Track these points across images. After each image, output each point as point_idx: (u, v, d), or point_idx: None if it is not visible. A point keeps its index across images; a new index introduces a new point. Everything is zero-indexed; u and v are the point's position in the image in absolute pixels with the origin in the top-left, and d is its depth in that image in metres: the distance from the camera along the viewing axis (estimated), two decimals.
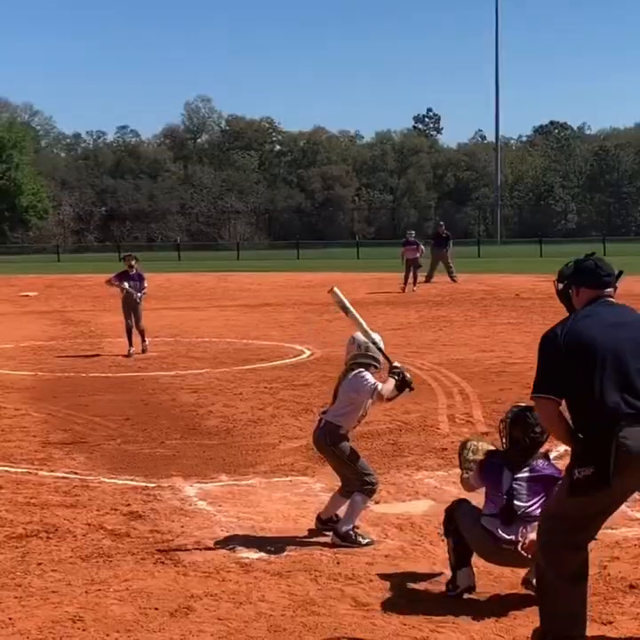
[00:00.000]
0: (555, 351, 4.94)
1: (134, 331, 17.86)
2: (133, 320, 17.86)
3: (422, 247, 33.87)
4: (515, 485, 5.85)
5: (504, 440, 6.03)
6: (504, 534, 5.82)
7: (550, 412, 4.97)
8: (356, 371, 7.12)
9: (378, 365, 7.23)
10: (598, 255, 5.33)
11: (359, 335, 7.31)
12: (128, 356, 17.34)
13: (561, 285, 5.26)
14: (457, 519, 6.01)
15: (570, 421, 4.98)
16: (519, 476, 5.87)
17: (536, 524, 5.42)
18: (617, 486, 4.78)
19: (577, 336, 4.92)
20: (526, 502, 5.83)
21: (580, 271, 5.19)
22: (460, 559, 5.97)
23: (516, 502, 5.83)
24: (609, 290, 5.12)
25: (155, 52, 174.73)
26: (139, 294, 18.00)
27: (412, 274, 32.90)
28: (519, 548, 5.77)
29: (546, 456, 6.04)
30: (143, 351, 17.68)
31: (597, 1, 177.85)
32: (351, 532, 6.91)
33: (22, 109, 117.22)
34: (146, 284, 18.36)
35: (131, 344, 17.65)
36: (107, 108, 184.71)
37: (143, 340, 17.90)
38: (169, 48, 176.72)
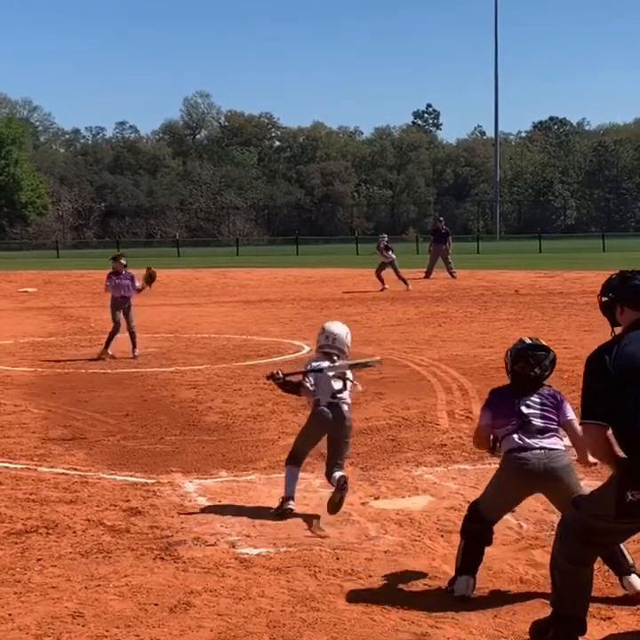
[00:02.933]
0: (604, 375, 4.88)
1: (120, 335, 16.86)
2: (126, 322, 16.91)
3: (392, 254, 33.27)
4: (527, 408, 5.95)
5: (508, 373, 6.15)
6: (530, 442, 5.86)
7: (598, 439, 4.91)
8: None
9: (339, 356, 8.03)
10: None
11: (330, 326, 8.31)
12: (99, 359, 16.42)
13: (605, 299, 5.20)
14: (480, 511, 6.01)
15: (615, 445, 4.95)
16: (529, 401, 5.98)
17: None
18: None
19: (626, 359, 4.86)
20: (542, 422, 5.93)
21: (627, 289, 5.06)
22: (465, 564, 5.93)
23: (532, 420, 5.92)
24: None
25: (153, 47, 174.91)
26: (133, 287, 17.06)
27: (395, 273, 32.05)
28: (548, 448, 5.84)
29: (549, 386, 6.14)
30: (134, 357, 16.53)
31: None
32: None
33: (21, 105, 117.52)
34: (138, 284, 17.27)
35: (107, 347, 16.60)
36: (106, 103, 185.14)
37: (134, 346, 16.72)
38: (168, 43, 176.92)
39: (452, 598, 5.83)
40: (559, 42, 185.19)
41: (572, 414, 6.01)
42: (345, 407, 7.85)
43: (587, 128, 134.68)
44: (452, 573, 6.20)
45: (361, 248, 60.51)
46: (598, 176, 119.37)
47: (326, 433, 7.80)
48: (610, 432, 4.92)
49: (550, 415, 5.98)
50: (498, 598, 5.86)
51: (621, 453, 4.90)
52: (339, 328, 8.25)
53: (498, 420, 6.04)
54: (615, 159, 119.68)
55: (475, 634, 5.36)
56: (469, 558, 5.95)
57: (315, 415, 7.82)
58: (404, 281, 31.56)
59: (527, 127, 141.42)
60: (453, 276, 34.86)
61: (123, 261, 17.36)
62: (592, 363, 4.97)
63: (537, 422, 5.93)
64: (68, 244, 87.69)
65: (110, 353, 16.60)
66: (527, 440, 5.88)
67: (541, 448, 5.86)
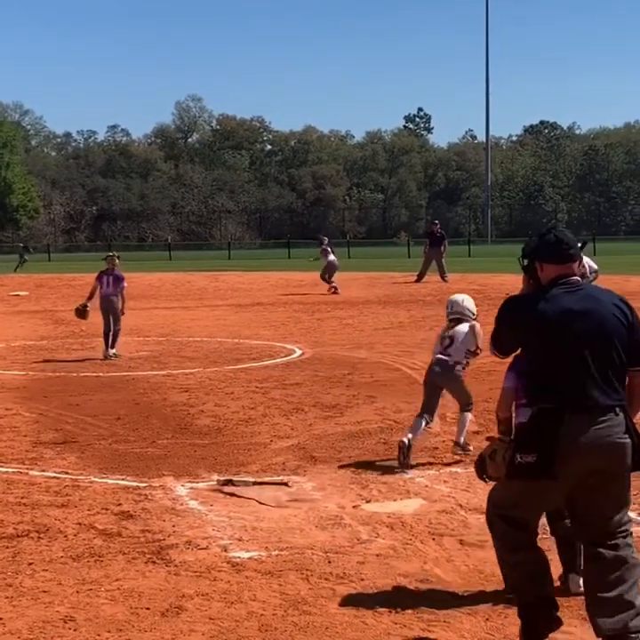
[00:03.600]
0: (513, 321, 5.05)
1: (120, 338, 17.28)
2: (111, 320, 17.15)
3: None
4: None
5: None
6: None
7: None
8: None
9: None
10: (560, 227, 5.32)
11: (452, 296, 9.98)
12: (105, 358, 16.80)
13: (526, 261, 5.22)
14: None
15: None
16: None
17: None
18: (560, 476, 4.80)
19: (538, 318, 4.92)
20: None
21: (544, 246, 5.10)
22: (567, 563, 5.92)
23: None
24: (573, 264, 5.08)
25: (146, 51, 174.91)
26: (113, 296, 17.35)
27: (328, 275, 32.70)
28: None
29: None
30: (105, 357, 16.81)
31: (588, 0, 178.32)
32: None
33: (12, 108, 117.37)
34: (125, 284, 17.56)
35: (107, 347, 17.04)
36: (97, 107, 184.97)
37: (112, 345, 16.99)
38: (160, 47, 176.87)
39: (444, 601, 5.83)
40: (550, 46, 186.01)
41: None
42: (450, 362, 9.46)
43: (577, 132, 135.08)
44: (444, 577, 6.21)
45: (353, 251, 60.54)
46: (589, 180, 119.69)
47: (437, 385, 9.48)
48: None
49: None
50: (489, 601, 5.85)
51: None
52: (458, 296, 9.94)
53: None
54: (606, 163, 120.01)
55: (466, 637, 5.36)
56: (565, 557, 5.95)
57: (426, 371, 9.63)
58: (331, 284, 32.12)
59: (518, 131, 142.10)
60: (445, 280, 34.90)
61: (115, 260, 17.78)
62: (506, 306, 5.11)
63: None
64: (60, 247, 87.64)
65: (112, 351, 16.93)
66: None
67: None
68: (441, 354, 9.48)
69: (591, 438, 4.79)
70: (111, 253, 18.53)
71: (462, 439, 9.50)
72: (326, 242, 33.97)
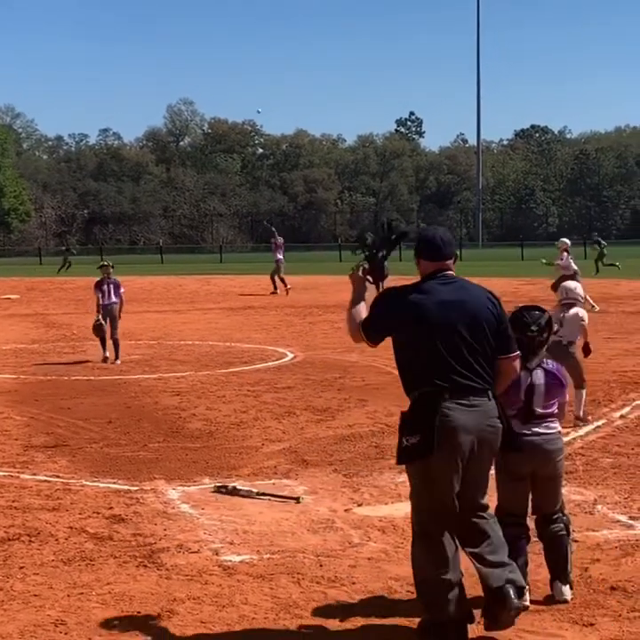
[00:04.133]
0: (389, 310, 5.31)
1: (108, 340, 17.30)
2: (110, 329, 17.28)
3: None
4: (532, 385, 5.83)
5: None
6: (521, 430, 5.75)
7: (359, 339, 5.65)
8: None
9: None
10: (437, 225, 5.52)
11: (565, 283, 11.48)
12: (104, 361, 16.97)
13: (416, 259, 5.44)
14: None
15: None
16: (536, 373, 5.85)
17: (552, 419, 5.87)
18: (443, 457, 5.06)
19: (415, 308, 5.20)
20: (543, 402, 5.84)
21: (422, 243, 5.43)
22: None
23: (534, 400, 5.81)
24: (448, 262, 5.40)
25: (137, 54, 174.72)
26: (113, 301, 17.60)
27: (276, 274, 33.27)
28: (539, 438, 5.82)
29: (550, 357, 6.08)
30: (104, 360, 17.01)
31: (579, 5, 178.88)
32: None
33: (4, 111, 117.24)
34: (122, 290, 17.81)
35: (105, 350, 17.18)
36: (89, 110, 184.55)
37: (117, 355, 17.09)
38: (151, 51, 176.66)
39: None
40: (541, 50, 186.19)
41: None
42: (563, 341, 10.59)
43: (568, 136, 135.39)
44: None
45: (344, 255, 60.51)
46: (580, 184, 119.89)
47: None
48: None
49: (552, 400, 5.89)
50: (480, 605, 5.84)
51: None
52: (571, 283, 11.54)
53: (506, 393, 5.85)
54: (596, 167, 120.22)
55: None
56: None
57: None
58: (275, 286, 32.70)
59: (509, 135, 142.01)
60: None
61: (109, 269, 17.85)
62: (387, 294, 5.38)
63: (538, 402, 5.82)
64: (51, 250, 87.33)
65: (107, 354, 17.13)
66: (518, 429, 5.73)
67: (528, 434, 5.79)
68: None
69: (469, 420, 5.09)
70: (105, 262, 18.57)
71: (582, 412, 10.92)
72: (281, 241, 34.05)
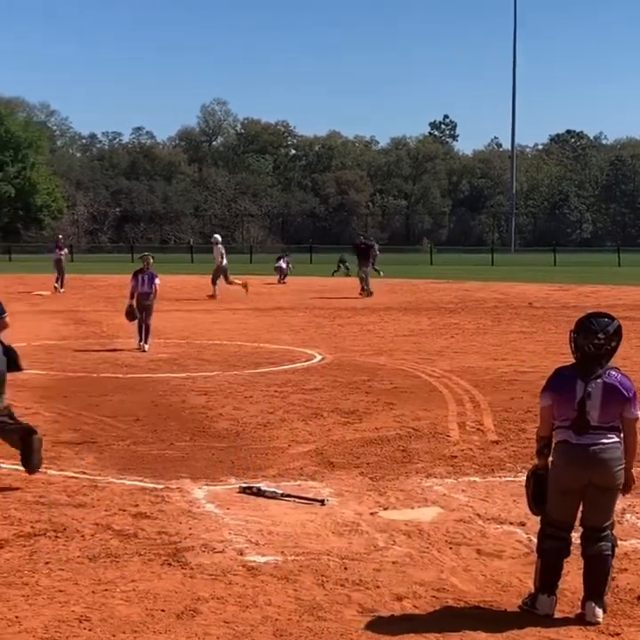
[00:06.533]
0: None
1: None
2: (144, 315, 18.44)
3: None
4: (588, 394, 5.64)
5: (573, 350, 5.80)
6: (578, 440, 5.64)
7: None
8: None
9: None
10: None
11: None
12: (139, 348, 18.08)
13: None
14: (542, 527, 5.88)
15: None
16: (592, 385, 5.65)
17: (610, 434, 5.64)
18: None
19: None
20: (598, 413, 5.64)
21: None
22: (545, 584, 5.77)
23: (589, 411, 5.63)
24: None
25: (172, 54, 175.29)
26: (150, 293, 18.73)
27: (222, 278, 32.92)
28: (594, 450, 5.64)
29: (617, 369, 5.80)
30: (139, 348, 18.15)
31: (615, 8, 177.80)
32: None
33: (39, 109, 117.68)
34: (157, 281, 18.90)
35: (141, 338, 18.32)
36: (123, 109, 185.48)
37: (146, 340, 18.33)
38: (186, 51, 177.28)
39: (460, 611, 5.80)
40: (577, 55, 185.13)
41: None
42: None
43: (604, 142, 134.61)
44: (461, 586, 6.18)
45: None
46: (615, 190, 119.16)
47: None
48: None
49: (609, 410, 5.67)
50: (506, 612, 5.82)
51: None
52: None
53: (557, 402, 5.74)
54: (632, 173, 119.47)
55: None
56: (549, 576, 5.79)
57: None
58: (215, 288, 32.35)
59: (544, 140, 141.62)
60: (364, 295, 32.66)
61: (149, 259, 19.09)
62: None
63: (593, 414, 5.64)
64: (83, 248, 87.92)
65: (145, 346, 18.19)
66: (573, 440, 5.64)
67: (584, 446, 5.64)
68: None
69: None
70: (146, 253, 19.98)
71: None
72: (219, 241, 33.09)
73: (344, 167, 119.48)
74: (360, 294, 32.72)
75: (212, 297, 31.73)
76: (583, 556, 5.83)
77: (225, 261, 32.54)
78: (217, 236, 34.30)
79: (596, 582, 5.74)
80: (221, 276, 32.60)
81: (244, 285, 32.60)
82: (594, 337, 5.68)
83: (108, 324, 23.44)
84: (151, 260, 19.16)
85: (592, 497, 5.70)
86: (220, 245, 32.74)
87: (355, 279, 37.10)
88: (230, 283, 32.58)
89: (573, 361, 5.81)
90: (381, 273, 41.62)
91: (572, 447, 5.64)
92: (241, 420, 11.59)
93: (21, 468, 8.77)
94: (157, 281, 18.95)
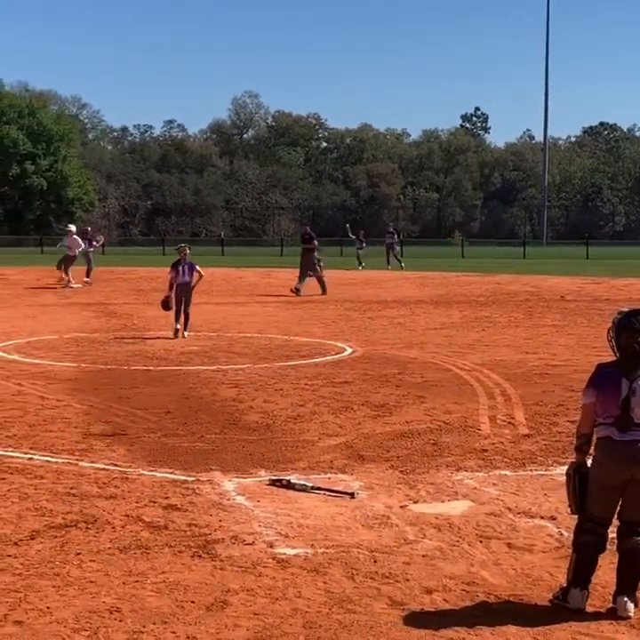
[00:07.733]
0: None
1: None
2: (183, 304, 19.20)
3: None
4: (633, 392, 5.61)
5: (614, 349, 5.79)
6: (621, 437, 5.61)
7: None
8: None
9: None
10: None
11: None
12: (175, 333, 18.84)
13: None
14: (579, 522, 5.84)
15: None
16: (638, 382, 5.61)
17: None
18: None
19: None
20: None
21: None
22: (578, 578, 5.74)
23: (633, 409, 5.60)
24: None
25: (204, 47, 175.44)
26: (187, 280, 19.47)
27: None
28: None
29: None
30: (175, 334, 18.84)
31: None
32: None
33: (71, 102, 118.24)
34: (198, 267, 19.65)
35: (177, 322, 19.05)
36: (154, 102, 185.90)
37: (185, 328, 19.06)
38: (217, 44, 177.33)
39: (490, 605, 5.78)
40: (610, 46, 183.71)
41: None
42: None
43: (638, 134, 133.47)
44: (491, 580, 6.16)
45: (406, 251, 60.33)
46: None
47: None
48: None
49: None
50: (536, 606, 5.80)
51: None
52: None
53: (600, 399, 5.70)
54: None
55: None
56: (584, 570, 5.76)
57: None
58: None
59: (577, 132, 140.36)
60: (296, 291, 30.61)
61: (186, 250, 19.73)
62: None
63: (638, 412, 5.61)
64: (114, 241, 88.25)
65: (178, 326, 19.00)
66: (617, 437, 5.62)
67: (629, 443, 5.61)
68: None
69: None
70: (183, 244, 20.70)
71: None
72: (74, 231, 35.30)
73: (375, 160, 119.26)
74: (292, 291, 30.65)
75: (69, 285, 32.96)
76: (618, 550, 5.81)
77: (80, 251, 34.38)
78: (72, 226, 37.25)
79: (630, 577, 5.72)
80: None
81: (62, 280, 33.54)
82: (637, 335, 5.69)
83: (139, 316, 23.54)
84: (188, 251, 19.74)
85: (633, 493, 5.68)
86: (75, 236, 35.02)
87: (377, 271, 36.97)
88: (59, 269, 34.15)
89: (614, 358, 5.79)
90: (403, 264, 42.10)
91: (615, 444, 5.63)
92: (271, 413, 11.60)
93: (52, 460, 8.83)
94: (198, 267, 19.64)
